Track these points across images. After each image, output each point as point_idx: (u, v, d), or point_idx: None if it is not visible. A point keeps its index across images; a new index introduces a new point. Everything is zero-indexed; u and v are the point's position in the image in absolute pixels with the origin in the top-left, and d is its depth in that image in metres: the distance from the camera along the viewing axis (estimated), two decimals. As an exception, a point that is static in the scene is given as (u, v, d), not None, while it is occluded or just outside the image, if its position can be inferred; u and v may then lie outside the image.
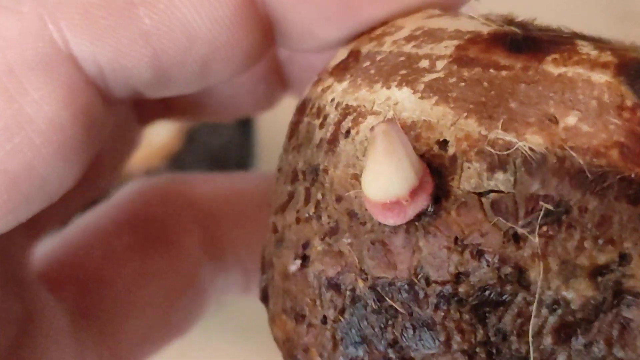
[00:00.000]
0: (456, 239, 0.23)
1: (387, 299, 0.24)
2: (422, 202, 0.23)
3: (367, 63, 0.25)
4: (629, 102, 0.23)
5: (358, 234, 0.24)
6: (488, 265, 0.23)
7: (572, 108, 0.23)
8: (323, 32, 0.26)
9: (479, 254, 0.23)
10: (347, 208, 0.24)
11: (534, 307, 0.23)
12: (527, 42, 0.24)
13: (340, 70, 0.26)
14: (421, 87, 0.24)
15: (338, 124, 0.25)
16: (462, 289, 0.23)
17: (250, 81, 0.34)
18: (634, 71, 0.24)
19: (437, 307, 0.23)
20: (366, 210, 0.24)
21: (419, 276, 0.23)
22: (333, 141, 0.25)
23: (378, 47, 0.25)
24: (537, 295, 0.23)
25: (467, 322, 0.23)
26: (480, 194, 0.23)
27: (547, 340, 0.23)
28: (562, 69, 0.24)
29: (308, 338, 0.25)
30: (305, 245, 0.25)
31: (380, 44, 0.25)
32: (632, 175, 0.23)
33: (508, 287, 0.23)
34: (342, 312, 0.24)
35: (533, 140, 0.23)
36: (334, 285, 0.24)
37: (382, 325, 0.24)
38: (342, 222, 0.24)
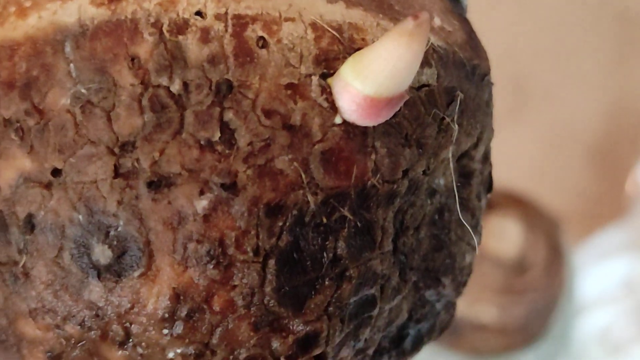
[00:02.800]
0: (406, 135, 0.24)
1: (340, 209, 0.23)
2: (405, 96, 0.23)
3: None
4: (448, 6, 0.27)
5: (301, 147, 0.23)
6: (424, 157, 0.24)
7: (431, 11, 0.25)
8: None
9: (420, 146, 0.24)
10: (284, 122, 0.23)
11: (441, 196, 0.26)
12: None
13: None
14: None
15: (237, 35, 0.23)
16: (401, 186, 0.24)
17: None
18: None
19: (384, 208, 0.24)
20: (313, 119, 0.23)
21: (377, 177, 0.23)
22: (243, 53, 0.23)
23: None
24: (453, 183, 0.26)
25: (390, 220, 0.24)
26: (417, 89, 0.24)
27: (424, 229, 0.25)
28: None
29: (223, 280, 0.23)
30: (225, 173, 0.22)
31: None
32: (480, 65, 0.26)
33: (425, 179, 0.25)
34: (279, 237, 0.23)
35: (432, 39, 0.25)
36: (276, 209, 0.23)
37: (324, 242, 0.23)
38: (279, 137, 0.23)
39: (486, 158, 0.28)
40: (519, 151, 0.84)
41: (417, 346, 0.27)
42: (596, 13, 0.89)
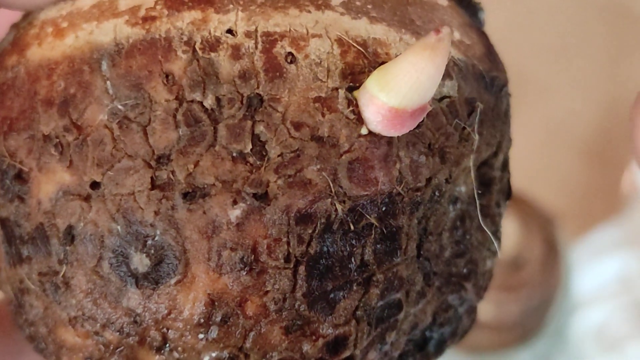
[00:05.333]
0: (429, 144, 0.25)
1: (366, 216, 0.24)
2: (428, 107, 0.24)
3: None
4: (467, 20, 0.28)
5: (329, 157, 0.24)
6: (446, 166, 0.25)
7: (451, 25, 0.26)
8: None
9: (443, 155, 0.25)
10: (313, 134, 0.23)
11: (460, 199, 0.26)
12: None
13: (199, 3, 0.24)
14: (340, 9, 0.24)
15: (267, 51, 0.24)
16: (425, 194, 0.25)
17: None
18: None
19: (409, 215, 0.25)
20: (340, 131, 0.23)
21: (401, 185, 0.24)
22: (272, 68, 0.24)
23: None
24: (474, 191, 0.27)
25: (414, 227, 0.25)
26: (439, 100, 0.25)
27: (446, 235, 0.26)
28: None
29: (256, 286, 0.24)
30: (256, 183, 0.23)
31: None
32: (498, 76, 0.27)
33: (447, 187, 0.26)
34: (309, 244, 0.24)
35: (453, 53, 0.26)
36: (305, 217, 0.24)
37: (352, 249, 0.24)
38: (308, 148, 0.23)
39: (505, 166, 0.28)
40: (515, 149, 0.84)
41: (440, 349, 0.27)
42: (590, 10, 0.90)
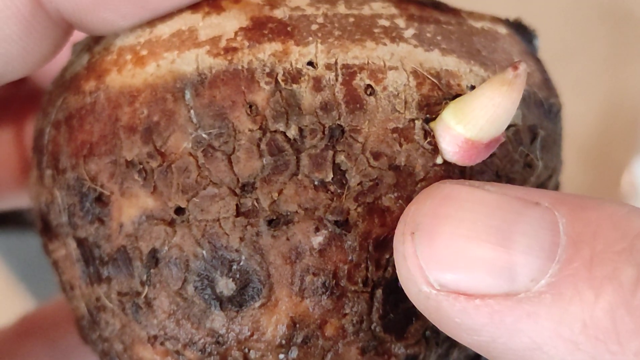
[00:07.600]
0: (497, 172, 0.26)
1: None
2: (502, 139, 0.25)
3: (315, 26, 0.25)
4: (524, 48, 0.29)
5: (405, 186, 0.24)
6: None
7: (511, 54, 0.27)
8: (120, 22, 0.26)
9: (509, 181, 0.26)
10: (390, 163, 0.24)
11: None
12: (438, 2, 0.27)
13: (278, 35, 0.25)
14: (413, 41, 0.25)
15: (347, 83, 0.24)
16: None
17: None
18: (516, 25, 0.29)
19: None
20: (417, 160, 0.24)
21: None
22: (353, 100, 0.24)
23: (296, 11, 0.25)
24: None
25: None
26: (506, 129, 0.25)
27: None
28: (479, 24, 0.27)
29: (336, 309, 0.25)
30: (338, 211, 0.24)
31: (294, 9, 0.25)
32: (555, 102, 0.29)
33: None
34: (385, 269, 0.25)
35: None
36: (383, 243, 0.24)
37: None
38: (387, 177, 0.24)
39: (556, 188, 0.29)
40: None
41: None
42: (590, 12, 0.91)
